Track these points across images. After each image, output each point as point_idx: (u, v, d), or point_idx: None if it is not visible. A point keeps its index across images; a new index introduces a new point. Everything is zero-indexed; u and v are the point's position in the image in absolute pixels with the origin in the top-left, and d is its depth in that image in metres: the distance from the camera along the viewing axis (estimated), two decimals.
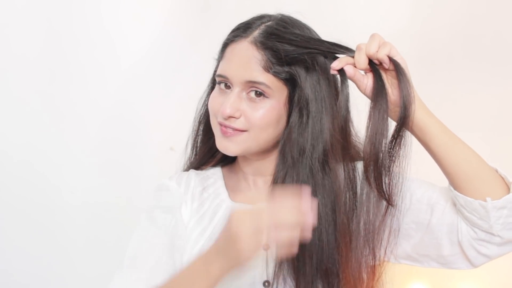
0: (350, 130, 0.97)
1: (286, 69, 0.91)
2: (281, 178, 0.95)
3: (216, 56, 1.01)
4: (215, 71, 1.01)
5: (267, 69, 0.91)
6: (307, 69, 0.92)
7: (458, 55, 1.71)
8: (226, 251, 0.77)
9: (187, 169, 1.09)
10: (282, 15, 0.97)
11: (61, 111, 1.78)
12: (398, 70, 0.88)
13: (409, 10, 1.72)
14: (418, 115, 0.90)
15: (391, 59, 0.89)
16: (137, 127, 1.80)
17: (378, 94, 0.88)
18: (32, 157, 1.78)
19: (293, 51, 0.91)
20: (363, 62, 0.89)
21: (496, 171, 0.92)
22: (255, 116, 0.92)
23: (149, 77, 1.79)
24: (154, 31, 1.78)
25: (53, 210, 1.79)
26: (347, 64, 0.90)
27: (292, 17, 0.97)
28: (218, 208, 1.00)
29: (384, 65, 0.89)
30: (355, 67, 0.90)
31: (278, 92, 0.93)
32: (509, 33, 1.68)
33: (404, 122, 0.88)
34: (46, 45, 1.75)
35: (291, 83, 0.93)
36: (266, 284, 0.95)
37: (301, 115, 0.93)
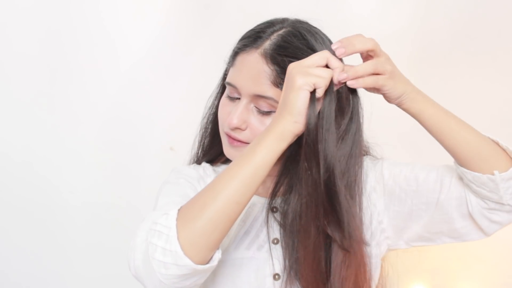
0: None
1: None
2: (283, 192, 0.96)
3: (225, 59, 0.99)
4: (225, 74, 1.00)
5: (276, 84, 0.89)
6: None
7: (458, 54, 1.71)
8: (284, 108, 0.81)
9: (198, 163, 1.08)
10: (295, 22, 0.94)
11: (61, 111, 1.78)
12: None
13: (409, 9, 1.72)
14: (412, 104, 0.90)
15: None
16: (137, 127, 1.80)
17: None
18: (32, 157, 1.77)
19: None
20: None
21: (498, 143, 0.93)
22: (261, 130, 0.90)
23: (149, 77, 1.79)
24: (154, 31, 1.78)
25: (53, 210, 1.79)
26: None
27: (305, 25, 0.94)
28: None
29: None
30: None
31: None
32: (510, 31, 1.68)
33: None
34: (46, 45, 1.75)
35: None
36: (276, 277, 0.96)
37: (307, 132, 0.92)
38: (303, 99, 0.80)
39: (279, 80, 0.89)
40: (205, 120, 1.06)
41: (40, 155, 1.78)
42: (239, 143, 0.93)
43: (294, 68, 0.82)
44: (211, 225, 0.77)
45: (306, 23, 0.95)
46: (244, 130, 0.93)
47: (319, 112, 0.84)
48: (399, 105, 0.91)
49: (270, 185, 1.00)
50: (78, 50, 1.76)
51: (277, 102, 0.89)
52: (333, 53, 0.88)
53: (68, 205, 1.79)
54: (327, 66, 0.84)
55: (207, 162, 1.07)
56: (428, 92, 0.98)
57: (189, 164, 1.10)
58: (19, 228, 1.78)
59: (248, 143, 0.93)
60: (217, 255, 0.80)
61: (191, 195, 0.93)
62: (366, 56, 0.88)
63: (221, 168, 1.07)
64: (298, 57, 0.88)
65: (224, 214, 0.78)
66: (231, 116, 0.92)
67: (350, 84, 0.85)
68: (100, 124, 1.79)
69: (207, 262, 0.79)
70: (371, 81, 0.86)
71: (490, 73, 1.69)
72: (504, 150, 0.92)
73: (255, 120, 0.92)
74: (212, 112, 1.05)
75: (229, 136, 0.94)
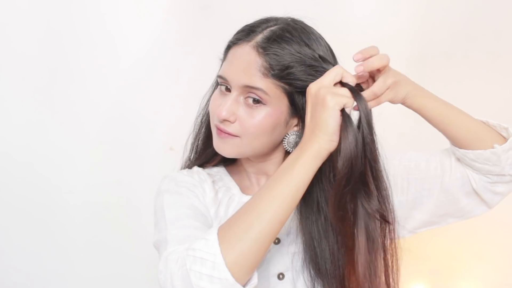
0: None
1: (285, 79, 0.91)
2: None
3: (221, 56, 1.00)
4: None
5: (266, 75, 0.90)
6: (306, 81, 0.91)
7: (458, 55, 1.71)
8: (316, 126, 0.83)
9: (189, 167, 1.08)
10: (290, 21, 0.96)
11: (61, 111, 1.78)
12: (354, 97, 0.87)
13: (408, 9, 1.72)
14: (414, 100, 0.93)
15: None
16: (137, 127, 1.80)
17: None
18: (32, 157, 1.77)
19: (291, 66, 0.90)
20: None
21: (487, 123, 0.99)
22: (250, 123, 0.92)
23: (150, 77, 1.79)
24: (155, 31, 1.78)
25: (54, 210, 1.79)
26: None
27: (300, 24, 0.96)
28: (231, 202, 1.01)
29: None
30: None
31: (276, 99, 0.92)
32: (510, 32, 1.68)
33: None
34: (46, 45, 1.75)
35: (290, 93, 0.93)
36: (280, 276, 0.97)
37: (301, 126, 0.95)
38: (336, 118, 0.83)
39: (269, 71, 0.90)
40: (198, 122, 1.07)
41: (40, 154, 1.78)
42: (226, 135, 0.94)
43: (320, 88, 0.84)
44: (257, 246, 0.79)
45: (301, 22, 0.97)
46: (233, 122, 0.93)
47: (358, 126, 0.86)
48: (402, 104, 0.94)
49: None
50: (78, 49, 1.76)
51: (266, 93, 0.91)
52: (329, 49, 0.94)
53: (68, 204, 1.79)
54: (341, 82, 0.87)
55: (199, 166, 1.07)
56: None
57: (180, 169, 1.10)
58: (19, 227, 1.78)
59: (237, 136, 0.94)
60: (256, 275, 0.82)
61: (197, 205, 0.94)
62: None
63: (214, 170, 1.07)
64: (289, 49, 0.90)
65: (269, 234, 0.80)
66: (220, 108, 0.93)
67: (373, 105, 0.89)
68: (100, 123, 1.79)
69: (247, 284, 0.80)
70: (385, 99, 0.91)
71: (490, 74, 1.69)
72: (493, 128, 0.98)
73: (243, 113, 0.93)
74: (205, 112, 1.05)
75: (218, 128, 0.95)
